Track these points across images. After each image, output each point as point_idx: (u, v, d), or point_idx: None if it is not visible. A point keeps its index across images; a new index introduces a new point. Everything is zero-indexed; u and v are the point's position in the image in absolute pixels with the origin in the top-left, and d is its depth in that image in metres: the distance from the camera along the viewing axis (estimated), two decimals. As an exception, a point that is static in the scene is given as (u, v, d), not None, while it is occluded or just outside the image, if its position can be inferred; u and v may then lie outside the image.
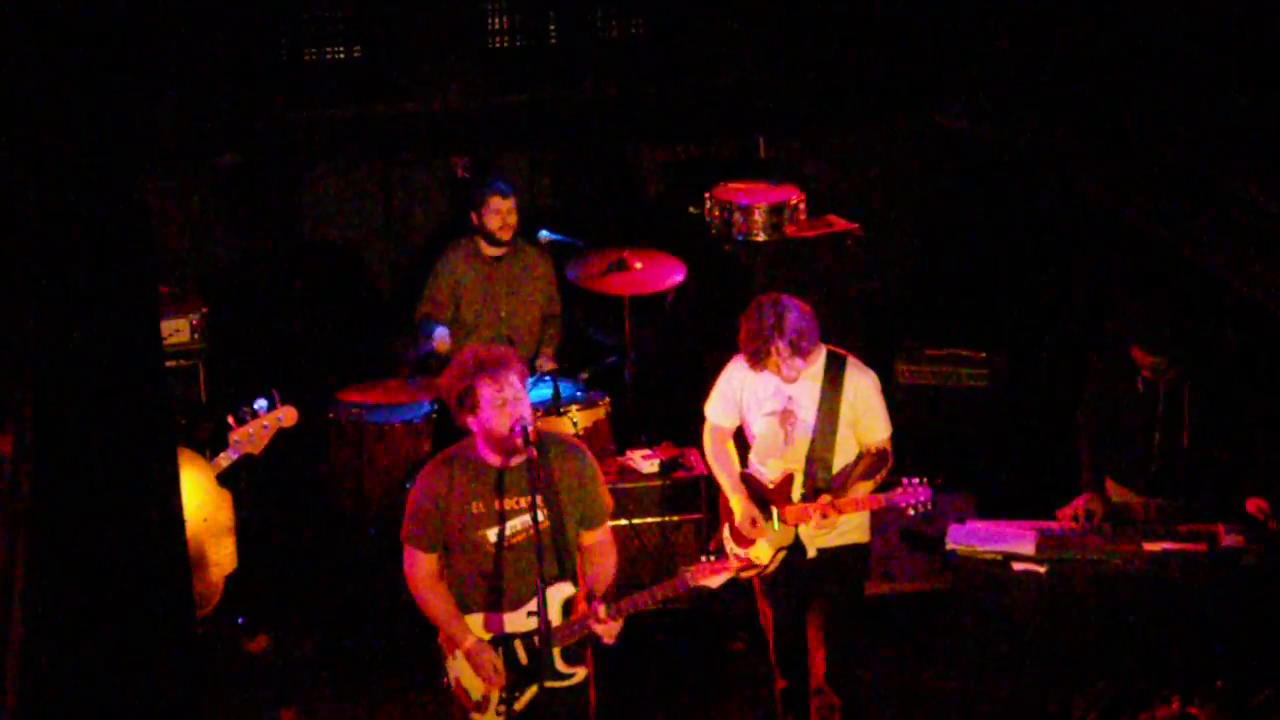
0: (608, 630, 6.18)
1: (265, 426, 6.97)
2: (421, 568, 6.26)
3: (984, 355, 9.89)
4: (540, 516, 6.05)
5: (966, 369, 9.89)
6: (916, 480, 6.90)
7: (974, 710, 8.14)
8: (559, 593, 6.18)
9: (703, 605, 8.67)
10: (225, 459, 6.97)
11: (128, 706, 3.94)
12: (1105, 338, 8.06)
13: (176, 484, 4.09)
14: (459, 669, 6.29)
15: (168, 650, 4.00)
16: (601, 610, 6.17)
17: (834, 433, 6.97)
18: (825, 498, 6.89)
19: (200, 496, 6.70)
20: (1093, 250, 9.97)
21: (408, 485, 6.62)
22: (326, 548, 9.09)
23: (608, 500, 6.42)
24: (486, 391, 6.04)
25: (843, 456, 7.02)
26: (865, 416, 7.02)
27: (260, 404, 6.99)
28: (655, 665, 8.55)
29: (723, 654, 8.71)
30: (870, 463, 7.03)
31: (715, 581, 6.42)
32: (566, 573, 6.19)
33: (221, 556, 6.86)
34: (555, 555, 6.15)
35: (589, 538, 6.35)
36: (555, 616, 6.15)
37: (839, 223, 10.18)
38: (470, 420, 6.14)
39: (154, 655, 3.96)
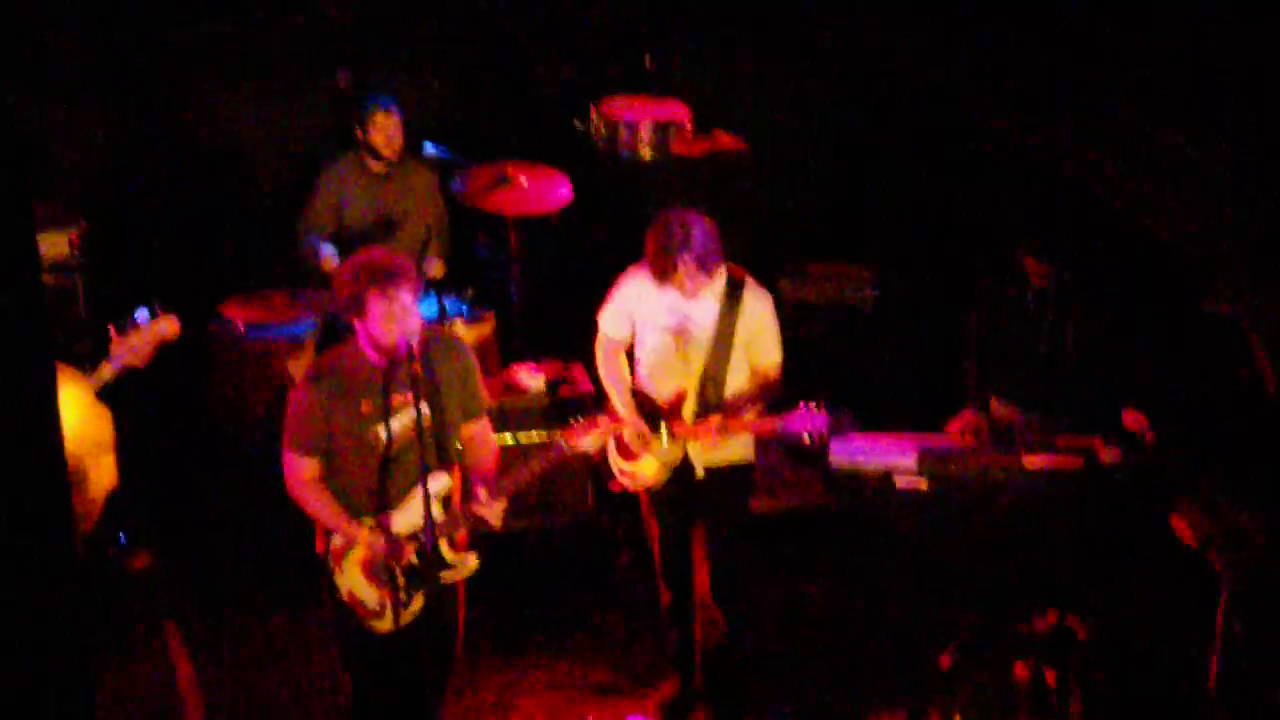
0: (492, 513, 6.25)
1: (146, 340, 6.86)
2: (304, 473, 6.24)
3: (868, 272, 9.95)
4: (425, 412, 6.05)
5: (850, 285, 9.95)
6: (813, 405, 6.92)
7: (857, 624, 8.25)
8: (437, 484, 6.18)
9: (588, 521, 8.72)
10: (107, 371, 6.85)
11: (8, 625, 3.91)
12: (993, 250, 8.13)
13: (55, 401, 4.03)
14: (350, 581, 6.28)
15: (48, 569, 3.96)
16: (482, 494, 6.24)
17: (729, 353, 6.99)
18: (717, 418, 6.90)
19: (79, 413, 6.61)
20: (979, 164, 10.03)
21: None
22: (208, 463, 9.03)
23: (486, 393, 6.52)
24: (376, 304, 6.01)
25: (735, 377, 7.04)
26: (760, 338, 7.04)
27: (141, 314, 6.88)
28: (541, 581, 8.59)
29: (608, 569, 8.76)
30: (761, 386, 7.05)
31: (588, 443, 6.49)
32: (446, 467, 6.20)
33: (101, 473, 6.78)
34: (437, 451, 6.15)
35: (469, 429, 6.40)
36: (436, 510, 6.15)
37: (725, 139, 10.18)
38: (356, 322, 6.12)
39: (34, 574, 3.92)
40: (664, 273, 6.85)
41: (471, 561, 6.40)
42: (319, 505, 6.26)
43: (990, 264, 7.99)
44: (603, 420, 6.55)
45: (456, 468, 6.32)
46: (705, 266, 6.81)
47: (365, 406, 6.16)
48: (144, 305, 6.88)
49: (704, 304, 6.98)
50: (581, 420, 6.52)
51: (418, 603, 6.29)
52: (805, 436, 6.92)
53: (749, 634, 7.54)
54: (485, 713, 7.59)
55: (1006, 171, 9.65)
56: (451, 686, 6.83)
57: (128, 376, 6.86)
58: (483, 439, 6.49)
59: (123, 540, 8.44)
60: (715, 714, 7.24)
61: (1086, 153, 8.76)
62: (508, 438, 8.41)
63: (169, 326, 6.91)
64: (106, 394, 6.90)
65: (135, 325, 6.83)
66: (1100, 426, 7.53)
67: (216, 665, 7.90)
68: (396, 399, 6.16)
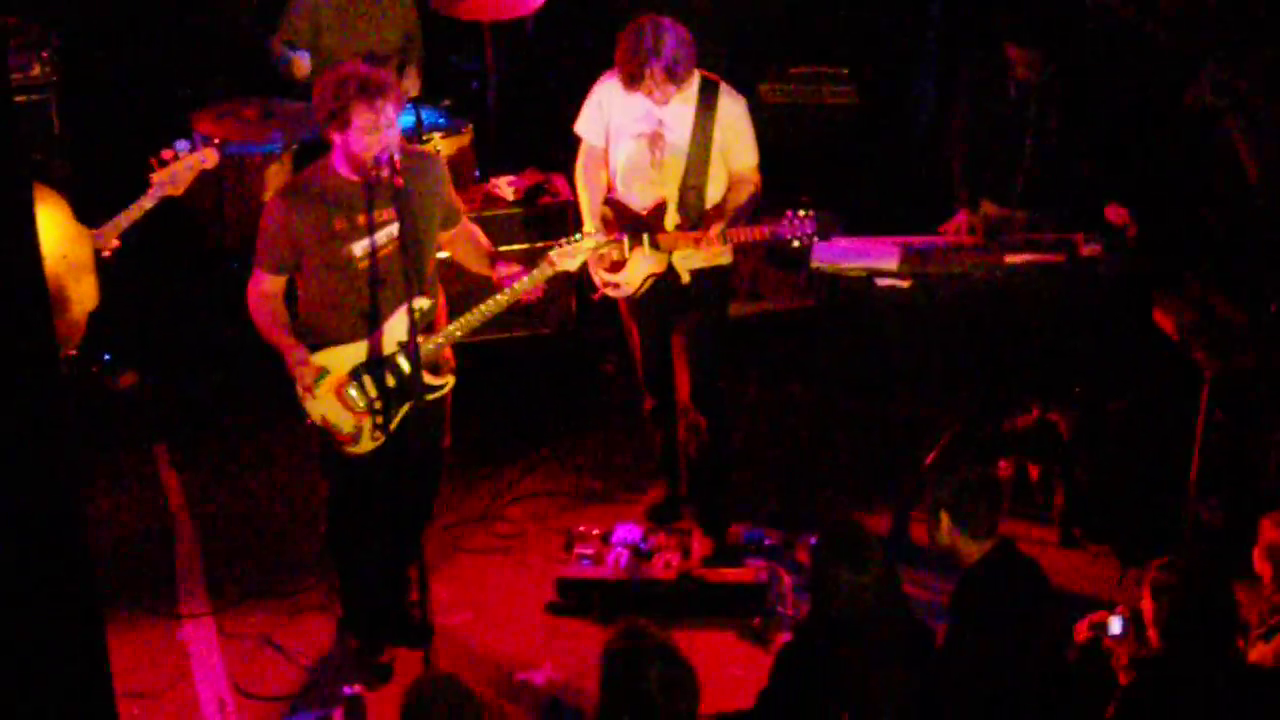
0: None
1: (188, 167, 6.83)
2: (264, 288, 6.20)
3: (847, 71, 9.87)
4: (398, 231, 6.05)
5: (830, 86, 9.87)
6: (801, 212, 6.89)
7: (841, 425, 8.31)
8: (419, 304, 6.16)
9: (572, 330, 8.74)
10: (148, 201, 6.83)
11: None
12: (977, 44, 8.05)
13: (32, 221, 4.01)
14: (322, 407, 6.26)
15: (32, 388, 3.96)
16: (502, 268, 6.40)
17: (707, 159, 6.94)
18: (718, 225, 6.85)
19: (58, 234, 6.58)
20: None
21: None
22: (188, 280, 9.01)
23: (457, 200, 6.52)
24: (360, 116, 5.94)
25: (715, 183, 7.00)
26: (736, 143, 6.99)
27: (181, 145, 6.85)
28: (526, 391, 8.63)
29: (593, 376, 8.80)
30: (745, 194, 7.01)
31: (574, 263, 6.55)
32: (425, 286, 6.17)
33: (83, 294, 6.77)
34: (416, 270, 6.12)
35: (452, 232, 6.42)
36: (405, 330, 6.14)
37: (702, -60, 10.02)
38: (335, 136, 6.06)
39: (18, 393, 3.92)
40: (632, 79, 6.79)
41: (450, 380, 6.41)
42: (267, 322, 6.21)
43: (974, 58, 7.91)
44: (585, 242, 6.55)
45: (430, 289, 6.31)
46: (674, 75, 6.75)
47: (338, 224, 6.10)
48: (183, 137, 6.87)
49: (678, 110, 6.92)
50: (567, 241, 6.53)
51: (394, 424, 6.29)
52: (794, 242, 6.90)
53: (732, 437, 7.60)
54: (473, 522, 7.66)
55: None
56: (439, 501, 6.89)
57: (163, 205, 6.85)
58: (469, 234, 6.51)
59: (107, 359, 8.44)
60: (701, 517, 7.30)
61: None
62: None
63: (209, 157, 6.89)
64: (143, 222, 6.87)
65: (175, 155, 6.80)
66: (1083, 222, 7.52)
67: (205, 482, 7.96)
68: (377, 215, 6.12)
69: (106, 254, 6.89)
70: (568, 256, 6.51)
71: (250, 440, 8.19)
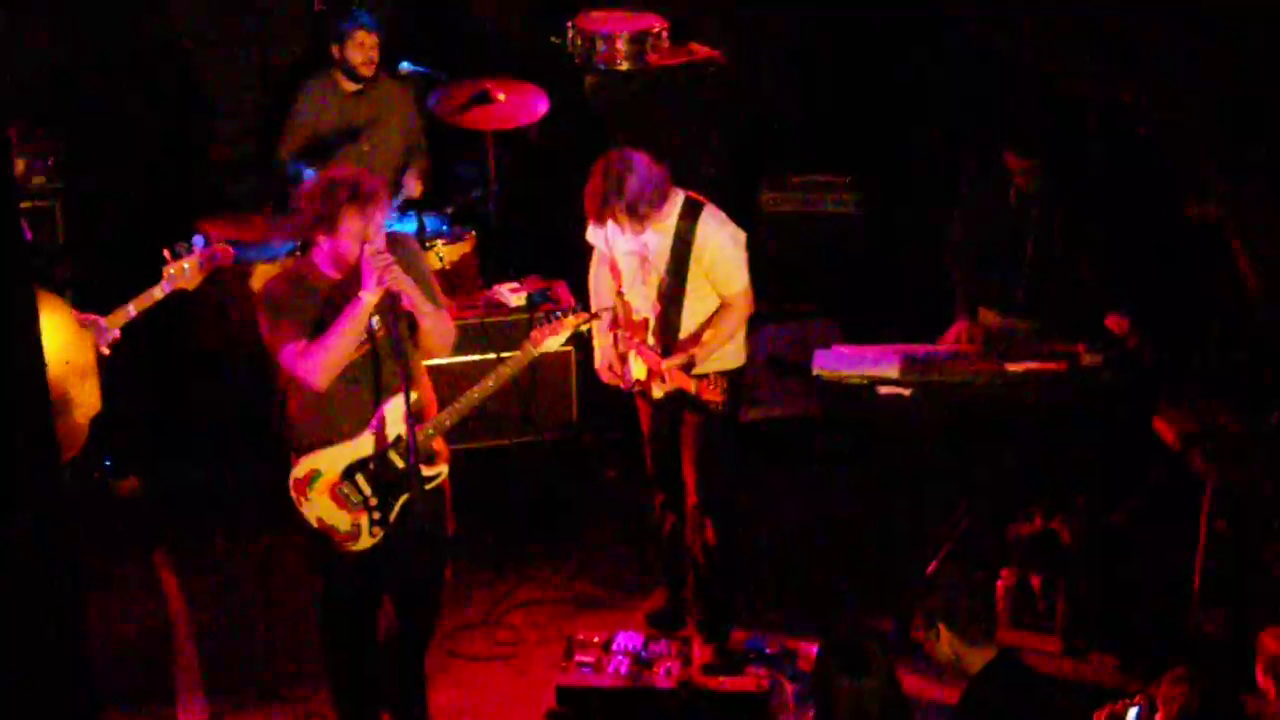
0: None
1: (201, 263, 6.87)
2: (299, 349, 6.08)
3: (847, 179, 9.93)
4: (380, 323, 6.08)
5: (831, 194, 9.93)
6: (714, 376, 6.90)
7: (845, 532, 8.30)
8: (398, 402, 6.14)
9: (573, 436, 8.74)
10: (159, 291, 6.85)
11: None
12: (977, 154, 8.10)
13: (36, 327, 4.02)
14: (317, 509, 6.24)
15: (34, 495, 3.96)
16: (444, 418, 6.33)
17: (683, 282, 6.93)
18: (671, 361, 6.89)
19: (61, 338, 6.60)
20: (960, 69, 9.99)
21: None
22: (191, 385, 9.02)
23: (435, 284, 6.47)
24: (351, 223, 5.98)
25: (694, 304, 6.97)
26: (717, 268, 6.95)
27: (197, 240, 6.90)
28: (527, 495, 8.61)
29: (594, 482, 8.79)
30: (729, 323, 6.99)
31: (556, 342, 6.60)
32: (410, 380, 6.14)
33: (85, 398, 6.77)
34: (402, 361, 6.10)
35: (429, 323, 6.30)
36: (398, 426, 6.15)
37: (701, 50, 10.13)
38: (322, 239, 6.08)
39: (20, 501, 3.92)
40: (598, 217, 6.85)
41: (444, 470, 6.40)
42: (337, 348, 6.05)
43: (973, 167, 7.96)
44: (568, 319, 6.59)
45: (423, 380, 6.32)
46: (635, 214, 6.77)
47: (327, 317, 6.08)
48: (198, 234, 6.92)
49: (659, 237, 6.92)
50: (547, 321, 6.58)
51: (392, 516, 6.27)
52: (712, 406, 6.91)
53: (739, 541, 7.57)
54: (474, 629, 7.63)
55: (988, 75, 9.61)
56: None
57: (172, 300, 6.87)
58: (442, 326, 6.35)
59: (109, 464, 8.44)
60: (704, 622, 7.27)
61: (1068, 53, 8.72)
62: (492, 356, 8.41)
63: (223, 254, 6.92)
64: (152, 312, 6.88)
65: (190, 250, 6.84)
66: (1084, 332, 7.54)
67: (204, 587, 7.93)
68: None
69: (105, 350, 6.87)
70: (548, 336, 6.54)
71: (251, 545, 8.17)
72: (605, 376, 7.23)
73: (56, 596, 4.06)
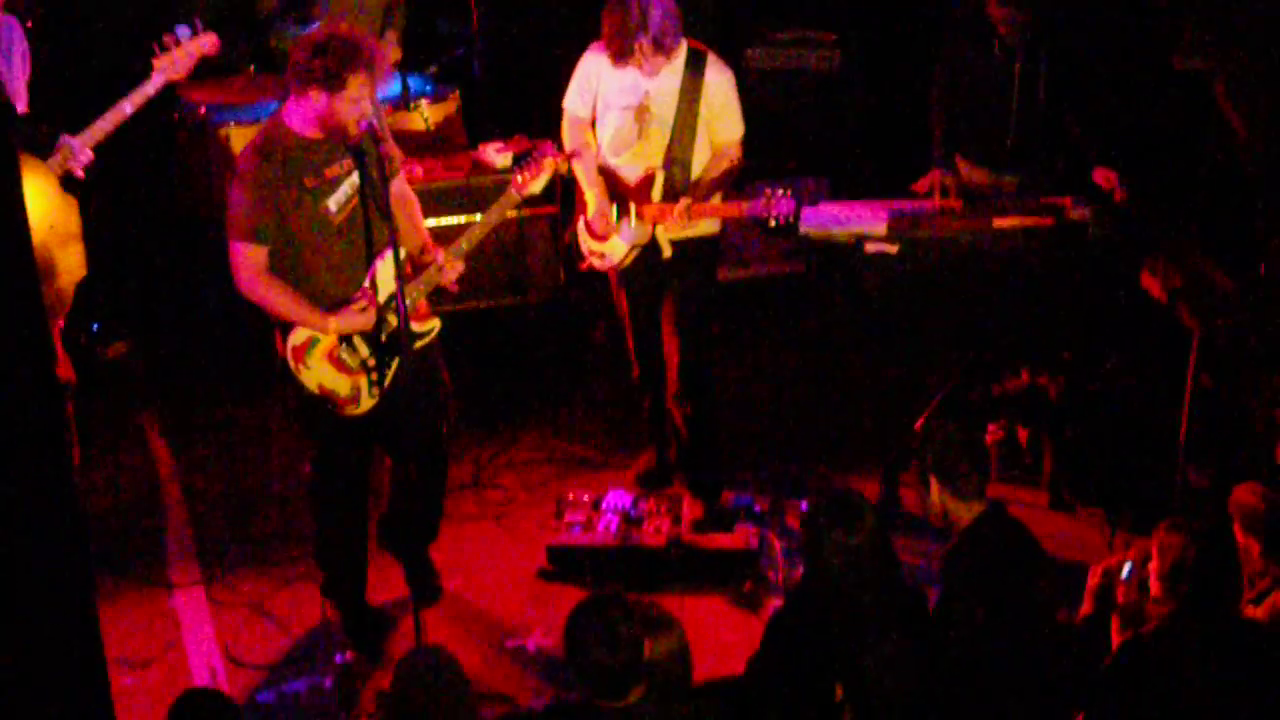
0: (455, 270, 6.32)
1: (189, 53, 6.79)
2: (253, 261, 6.05)
3: (833, 37, 9.85)
4: (356, 183, 6.06)
5: (816, 51, 9.85)
6: (780, 190, 6.86)
7: (831, 391, 8.32)
8: (387, 263, 6.12)
9: (561, 297, 8.73)
10: (150, 87, 6.78)
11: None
12: (958, 7, 8.02)
13: (19, 190, 3.99)
14: (318, 375, 6.21)
15: (22, 360, 3.95)
16: (442, 256, 6.28)
17: (693, 131, 6.94)
18: (685, 200, 6.88)
19: (45, 204, 6.55)
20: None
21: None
22: (176, 248, 8.99)
23: (396, 149, 6.52)
24: (355, 86, 5.90)
25: (701, 156, 7.00)
26: (722, 114, 6.98)
27: (183, 30, 6.80)
28: (516, 358, 8.62)
29: (582, 343, 8.80)
30: (724, 169, 7.01)
31: (538, 185, 6.58)
32: (394, 236, 6.08)
33: (70, 263, 6.74)
34: (384, 222, 6.03)
35: (394, 187, 6.26)
36: (391, 284, 6.11)
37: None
38: (319, 95, 5.95)
39: (7, 366, 3.91)
40: (621, 53, 6.78)
41: (435, 323, 6.41)
42: (274, 294, 6.08)
43: (955, 22, 7.89)
44: (546, 160, 6.55)
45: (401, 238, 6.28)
46: (662, 47, 6.74)
47: (309, 181, 6.05)
48: (183, 23, 6.81)
49: (664, 81, 6.91)
50: (527, 165, 6.54)
51: (389, 379, 6.25)
52: (771, 220, 6.88)
53: (720, 404, 7.60)
54: (465, 488, 7.66)
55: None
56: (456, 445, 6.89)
57: (94, 165, 6.78)
58: (404, 195, 6.42)
59: (96, 329, 8.43)
60: (692, 483, 7.31)
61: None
62: (478, 217, 8.37)
63: (210, 43, 6.84)
64: (144, 113, 6.83)
65: (176, 41, 6.76)
66: (1071, 186, 7.52)
67: (195, 450, 7.96)
68: (332, 170, 6.08)
69: (79, 172, 6.76)
70: (530, 179, 6.54)
71: (240, 409, 8.20)
72: (591, 263, 7.21)
73: (46, 460, 4.06)
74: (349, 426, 6.35)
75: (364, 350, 6.22)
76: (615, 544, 7.01)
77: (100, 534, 7.20)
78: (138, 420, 8.16)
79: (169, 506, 7.60)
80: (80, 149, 6.71)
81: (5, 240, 3.90)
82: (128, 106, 6.76)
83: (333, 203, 6.08)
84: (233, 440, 8.00)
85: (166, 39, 6.77)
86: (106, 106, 6.78)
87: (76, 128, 6.75)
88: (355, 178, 6.06)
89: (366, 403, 6.27)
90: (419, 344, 6.33)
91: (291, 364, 6.22)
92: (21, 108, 6.86)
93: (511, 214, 8.30)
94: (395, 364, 6.22)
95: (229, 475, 7.79)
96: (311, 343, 6.18)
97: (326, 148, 6.05)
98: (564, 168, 6.82)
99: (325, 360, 6.21)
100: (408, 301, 6.10)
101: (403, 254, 6.14)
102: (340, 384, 6.24)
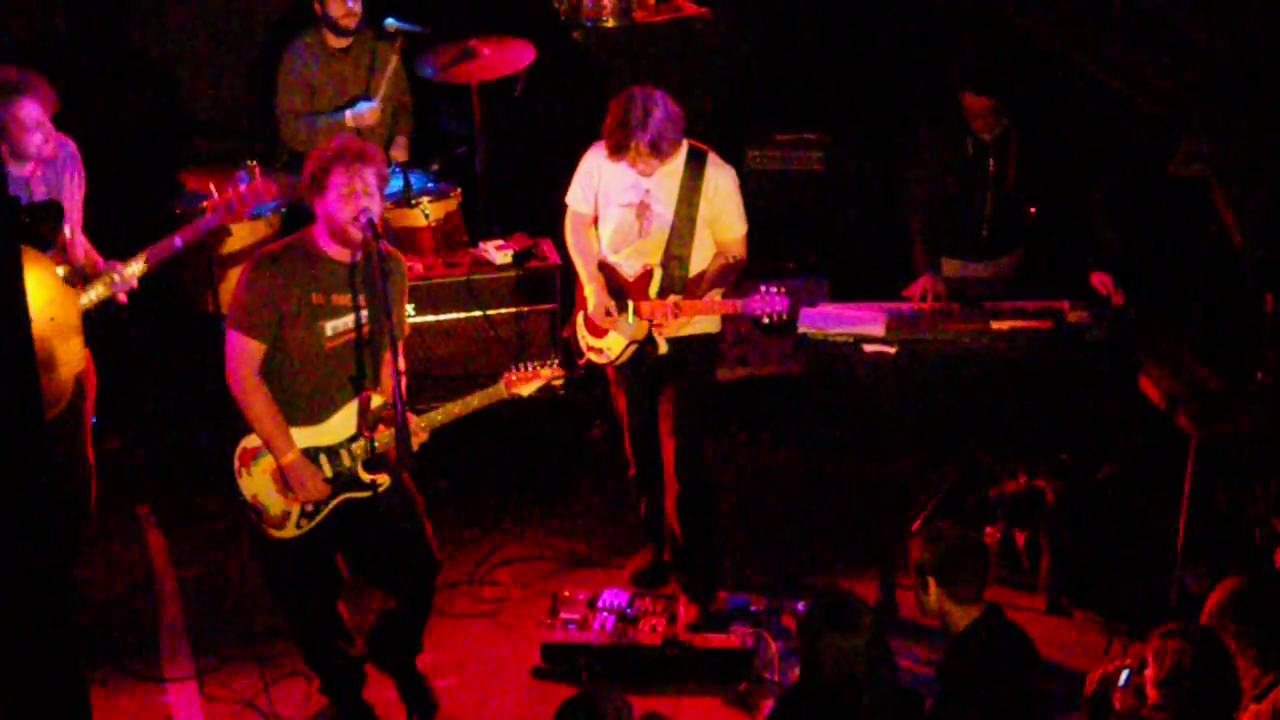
0: (419, 437, 6.22)
1: (245, 199, 6.89)
2: (248, 356, 6.06)
3: (831, 139, 9.92)
4: (369, 319, 6.09)
5: (814, 152, 9.92)
6: (774, 288, 6.89)
7: (828, 491, 8.31)
8: (374, 399, 6.17)
9: (560, 395, 8.71)
10: (204, 225, 6.96)
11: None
12: (933, 101, 8.09)
13: (21, 284, 4.01)
14: (255, 486, 6.21)
15: (19, 451, 3.95)
16: (414, 421, 6.18)
17: (692, 229, 6.98)
18: (675, 297, 6.92)
19: (46, 295, 6.58)
20: (931, 32, 9.99)
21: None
22: (176, 343, 9.00)
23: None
24: (338, 179, 5.95)
25: (700, 253, 7.04)
26: (723, 214, 7.03)
27: (242, 177, 6.92)
28: (514, 454, 8.61)
29: (580, 441, 8.79)
30: (723, 265, 7.04)
31: (528, 389, 6.51)
32: (378, 380, 6.14)
33: (70, 355, 6.76)
34: (374, 361, 6.10)
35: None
36: (354, 427, 6.17)
37: (688, 7, 10.10)
38: (316, 203, 6.05)
39: (6, 456, 3.92)
40: (617, 149, 6.83)
41: (384, 481, 6.29)
42: (256, 401, 6.09)
43: (931, 122, 7.95)
44: (544, 371, 6.51)
45: (384, 386, 6.27)
46: (658, 150, 6.79)
47: (315, 298, 6.07)
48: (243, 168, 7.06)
49: (665, 179, 6.96)
50: (524, 367, 6.50)
51: (322, 515, 6.23)
52: (765, 318, 6.91)
53: (717, 504, 7.59)
54: (460, 587, 7.64)
55: (960, 26, 9.62)
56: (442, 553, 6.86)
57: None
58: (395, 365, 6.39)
59: (94, 422, 8.41)
60: (687, 583, 7.29)
61: (1050, 11, 8.73)
62: (477, 314, 8.41)
63: (268, 190, 6.94)
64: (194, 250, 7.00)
65: (236, 185, 6.87)
66: (1068, 290, 7.55)
67: (189, 544, 7.94)
68: (344, 298, 6.11)
69: (122, 298, 6.91)
70: (521, 383, 6.49)
71: (234, 503, 8.15)
72: (589, 359, 7.23)
73: (41, 550, 4.05)
74: (280, 547, 6.30)
75: (321, 477, 6.20)
76: (611, 643, 6.98)
77: (93, 627, 7.17)
78: (135, 512, 8.14)
79: (164, 600, 7.57)
80: (127, 277, 6.83)
81: (5, 331, 3.91)
82: (178, 241, 6.90)
83: (330, 327, 6.10)
84: (228, 534, 7.97)
85: (225, 183, 6.87)
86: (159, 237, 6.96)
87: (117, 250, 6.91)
88: (364, 316, 6.09)
89: (291, 530, 6.24)
90: (360, 494, 6.26)
91: (236, 464, 6.23)
92: (77, 231, 6.93)
93: (510, 310, 8.40)
94: (332, 504, 6.21)
95: (224, 569, 7.76)
96: (260, 452, 6.18)
97: (344, 274, 6.09)
98: (558, 383, 6.75)
99: (268, 475, 6.20)
100: (360, 448, 6.18)
101: (377, 402, 6.15)
102: (274, 503, 6.21)
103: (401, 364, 6.36)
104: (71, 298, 6.72)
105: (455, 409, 6.35)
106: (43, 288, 6.54)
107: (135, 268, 6.87)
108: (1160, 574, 7.14)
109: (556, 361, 6.62)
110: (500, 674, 7.08)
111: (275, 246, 6.25)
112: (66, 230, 6.87)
